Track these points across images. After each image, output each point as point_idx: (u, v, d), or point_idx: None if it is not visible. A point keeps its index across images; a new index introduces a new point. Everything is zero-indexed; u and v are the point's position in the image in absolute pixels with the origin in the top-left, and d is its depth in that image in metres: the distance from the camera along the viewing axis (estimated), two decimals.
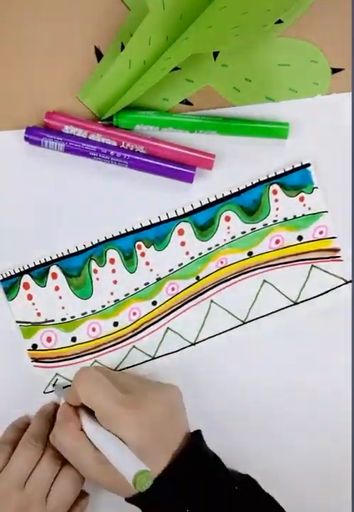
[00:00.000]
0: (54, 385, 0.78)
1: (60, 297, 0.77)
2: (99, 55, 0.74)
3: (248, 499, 0.68)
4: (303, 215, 0.77)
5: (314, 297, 0.79)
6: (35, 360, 0.77)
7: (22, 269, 0.76)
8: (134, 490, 0.60)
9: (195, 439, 0.70)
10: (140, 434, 0.66)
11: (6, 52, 0.74)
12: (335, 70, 0.76)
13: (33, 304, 0.77)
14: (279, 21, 0.74)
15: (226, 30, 0.69)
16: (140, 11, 0.72)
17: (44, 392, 0.77)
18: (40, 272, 0.76)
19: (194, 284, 0.78)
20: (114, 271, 0.77)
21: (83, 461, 0.68)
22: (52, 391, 0.78)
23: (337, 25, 0.75)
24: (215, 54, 0.75)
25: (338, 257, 0.78)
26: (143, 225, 0.76)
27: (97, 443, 0.66)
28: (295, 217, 0.77)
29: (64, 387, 0.78)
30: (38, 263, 0.76)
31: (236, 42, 0.69)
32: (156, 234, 0.77)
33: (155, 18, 0.72)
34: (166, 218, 0.76)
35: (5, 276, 0.76)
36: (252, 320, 0.79)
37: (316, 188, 0.77)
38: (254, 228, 0.77)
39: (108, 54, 0.74)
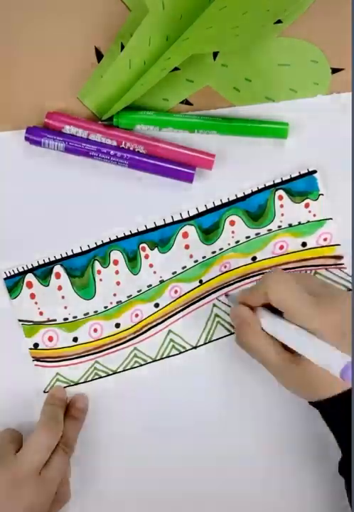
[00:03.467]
0: (227, 295, 0.78)
1: (63, 297, 0.77)
2: (99, 56, 0.74)
3: None
4: (308, 222, 0.77)
5: None
6: (37, 359, 0.78)
7: (25, 268, 0.76)
8: (322, 391, 0.62)
9: None
10: (331, 332, 0.65)
11: (6, 53, 0.74)
12: (335, 70, 0.75)
13: (36, 303, 0.77)
14: (279, 21, 0.74)
15: (226, 30, 0.69)
16: (140, 11, 0.72)
17: (44, 392, 0.77)
18: (43, 271, 0.77)
19: (197, 287, 0.78)
20: (117, 272, 0.77)
21: (272, 360, 0.68)
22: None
23: (337, 25, 0.75)
24: (215, 54, 0.75)
25: (342, 264, 0.78)
26: (148, 227, 0.76)
27: (290, 341, 0.66)
28: (300, 223, 0.77)
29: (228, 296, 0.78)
30: (41, 262, 0.77)
31: (236, 42, 0.69)
32: (161, 236, 0.77)
33: (155, 19, 0.72)
34: (171, 221, 0.76)
35: (8, 275, 0.76)
36: None
37: (322, 195, 0.76)
38: (259, 233, 0.77)
39: (108, 54, 0.74)
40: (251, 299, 0.70)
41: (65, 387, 0.78)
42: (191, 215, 0.76)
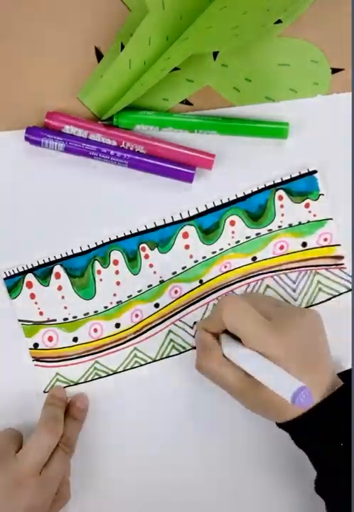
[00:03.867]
0: (195, 323, 0.78)
1: (63, 297, 0.77)
2: (99, 56, 0.74)
3: None
4: (308, 222, 0.77)
5: (317, 304, 0.78)
6: (36, 359, 0.77)
7: (25, 268, 0.76)
8: (286, 413, 0.62)
9: (350, 375, 0.71)
10: (287, 356, 0.65)
11: (6, 53, 0.74)
12: (335, 70, 0.76)
13: (36, 303, 0.77)
14: (279, 21, 0.74)
15: (226, 30, 0.69)
16: (140, 11, 0.72)
17: (44, 392, 0.77)
18: (43, 272, 0.77)
19: (197, 287, 0.78)
20: (117, 272, 0.77)
21: (232, 386, 0.68)
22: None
23: (337, 26, 0.75)
24: (215, 54, 0.75)
25: (342, 264, 0.78)
26: (148, 227, 0.76)
27: (246, 366, 0.66)
28: (300, 223, 0.77)
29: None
30: (41, 262, 0.76)
31: (236, 42, 0.69)
32: (161, 236, 0.77)
33: (155, 19, 0.72)
34: (171, 221, 0.76)
35: (8, 275, 0.76)
36: None
37: (322, 195, 0.76)
38: (259, 233, 0.77)
39: (108, 54, 0.74)
40: (211, 325, 0.70)
41: (65, 387, 0.78)
42: (191, 215, 0.76)
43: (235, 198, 0.76)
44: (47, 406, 0.76)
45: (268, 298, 0.76)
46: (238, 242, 0.77)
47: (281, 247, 0.77)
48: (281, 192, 0.77)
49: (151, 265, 0.77)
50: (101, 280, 0.77)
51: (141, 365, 0.78)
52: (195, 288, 0.78)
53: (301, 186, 0.76)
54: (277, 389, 0.62)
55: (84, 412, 0.77)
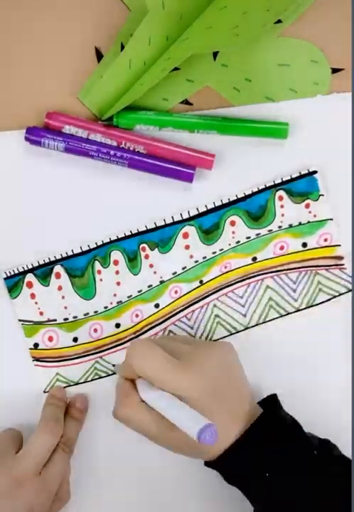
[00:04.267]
0: (114, 365, 0.78)
1: (63, 297, 0.77)
2: (99, 56, 0.74)
3: (327, 464, 0.68)
4: (309, 222, 0.77)
5: (317, 304, 0.79)
6: (37, 359, 0.77)
7: (25, 268, 0.76)
8: (209, 452, 0.62)
9: (271, 402, 0.71)
10: (200, 395, 0.66)
11: (6, 53, 0.74)
12: (335, 70, 0.76)
13: (36, 302, 0.77)
14: (279, 21, 0.74)
15: (226, 30, 0.69)
16: (140, 11, 0.72)
17: (44, 392, 0.77)
18: (43, 271, 0.77)
19: (197, 287, 0.78)
20: (117, 272, 0.77)
21: (151, 432, 0.68)
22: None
23: (337, 25, 0.75)
24: (215, 54, 0.75)
25: (342, 264, 0.78)
26: (148, 228, 0.76)
27: (158, 408, 0.66)
28: (300, 223, 0.77)
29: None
30: (42, 262, 0.76)
31: (236, 42, 0.69)
32: (161, 236, 0.77)
33: (155, 19, 0.72)
34: (171, 221, 0.76)
35: (8, 275, 0.76)
36: (255, 325, 0.79)
37: (322, 195, 0.76)
38: (259, 234, 0.77)
39: (108, 54, 0.74)
40: (125, 371, 0.71)
41: (64, 387, 0.78)
42: (191, 215, 0.76)
43: (235, 198, 0.76)
44: (47, 406, 0.76)
45: (178, 337, 0.77)
46: (238, 242, 0.77)
47: (282, 248, 0.77)
48: (281, 192, 0.76)
49: (151, 265, 0.77)
50: (101, 280, 0.77)
51: None
52: (195, 288, 0.78)
53: (301, 187, 0.76)
54: (184, 427, 0.62)
55: (84, 413, 0.77)
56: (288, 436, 0.68)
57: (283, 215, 0.77)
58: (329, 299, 0.78)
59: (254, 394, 0.72)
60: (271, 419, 0.69)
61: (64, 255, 0.76)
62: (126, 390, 0.69)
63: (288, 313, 0.79)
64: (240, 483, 0.69)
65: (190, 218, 0.76)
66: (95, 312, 0.77)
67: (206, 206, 0.76)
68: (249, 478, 0.67)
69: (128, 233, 0.76)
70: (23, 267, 0.76)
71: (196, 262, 0.77)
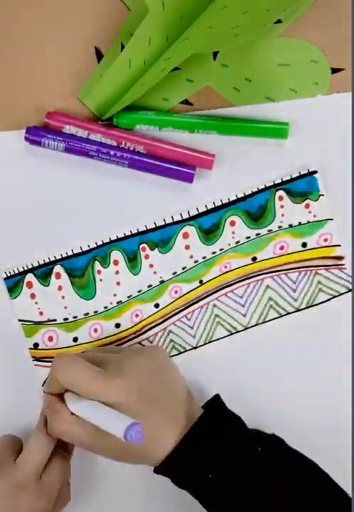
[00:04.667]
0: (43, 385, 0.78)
1: (63, 297, 0.77)
2: (99, 56, 0.74)
3: (272, 458, 0.68)
4: (309, 222, 0.77)
5: (317, 304, 0.79)
6: (36, 359, 0.77)
7: (25, 268, 0.76)
8: (150, 457, 0.63)
9: (213, 402, 0.71)
10: (128, 399, 0.66)
11: (6, 53, 0.74)
12: (335, 70, 0.76)
13: (36, 302, 0.77)
14: (279, 21, 0.74)
15: (226, 30, 0.69)
16: (140, 11, 0.72)
17: (44, 392, 0.77)
18: (43, 272, 0.77)
19: (197, 287, 0.78)
20: (117, 272, 0.77)
21: (88, 443, 0.68)
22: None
23: (337, 26, 0.75)
24: (215, 54, 0.75)
25: (342, 265, 0.78)
26: (148, 228, 0.76)
27: (86, 417, 0.66)
28: (300, 223, 0.77)
29: None
30: (42, 262, 0.76)
31: (236, 42, 0.69)
32: (161, 236, 0.77)
33: (155, 18, 0.72)
34: (171, 221, 0.76)
35: (8, 275, 0.76)
36: (254, 325, 0.79)
37: (322, 195, 0.76)
38: (259, 234, 0.77)
39: (108, 54, 0.74)
40: (52, 387, 0.70)
41: None
42: (191, 215, 0.76)
43: (235, 198, 0.76)
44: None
45: (108, 348, 0.77)
46: (238, 242, 0.77)
47: (281, 248, 0.77)
48: (281, 192, 0.77)
49: (151, 265, 0.77)
50: (101, 280, 0.77)
51: None
52: (195, 288, 0.78)
53: (301, 187, 0.76)
54: (110, 430, 0.62)
55: None
56: (229, 435, 0.68)
57: (283, 215, 0.77)
58: (329, 299, 0.79)
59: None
60: (212, 419, 0.69)
61: (64, 255, 0.76)
62: (56, 405, 0.69)
63: (288, 313, 0.79)
64: (187, 486, 0.69)
65: (190, 218, 0.76)
66: (95, 312, 0.77)
67: (206, 206, 0.76)
68: (194, 480, 0.67)
69: (128, 233, 0.76)
70: (23, 267, 0.76)
71: (196, 262, 0.77)
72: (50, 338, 0.77)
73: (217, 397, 0.72)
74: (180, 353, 0.78)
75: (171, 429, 0.68)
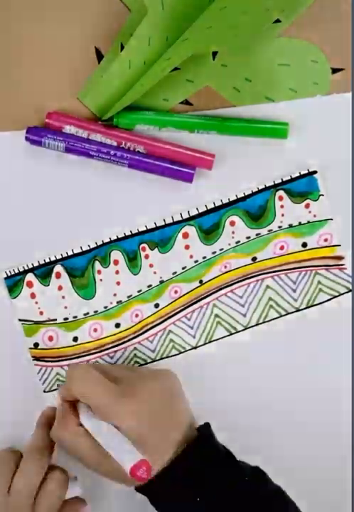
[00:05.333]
0: (58, 385, 0.78)
1: (63, 297, 0.77)
2: (99, 56, 0.74)
3: (258, 489, 0.68)
4: (309, 222, 0.77)
5: (317, 304, 0.79)
6: (37, 358, 0.78)
7: (26, 268, 0.76)
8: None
9: (204, 429, 0.71)
10: (138, 423, 0.66)
11: (6, 53, 0.74)
12: (335, 70, 0.75)
13: (36, 302, 0.77)
14: (278, 21, 0.73)
15: (226, 30, 0.69)
16: (140, 11, 0.72)
17: (44, 391, 0.78)
18: (43, 271, 0.77)
19: (197, 287, 0.78)
20: (117, 272, 0.77)
21: (85, 456, 0.68)
22: (54, 390, 0.78)
23: (337, 26, 0.75)
24: (215, 54, 0.75)
25: (342, 265, 0.78)
26: (148, 227, 0.76)
27: (96, 436, 0.66)
28: (300, 223, 0.77)
29: None
30: (42, 262, 0.77)
31: (236, 42, 0.69)
32: (161, 236, 0.77)
33: (155, 19, 0.72)
34: (171, 221, 0.76)
35: (9, 274, 0.76)
36: (254, 325, 0.79)
37: (322, 195, 0.76)
38: (259, 234, 0.77)
39: (108, 55, 0.74)
40: (66, 394, 0.70)
41: None
42: (191, 215, 0.76)
43: (235, 198, 0.76)
44: (36, 430, 0.75)
45: (120, 366, 0.77)
46: (238, 242, 0.77)
47: (282, 248, 0.77)
48: (281, 192, 0.77)
49: (151, 265, 0.77)
50: (101, 280, 0.77)
51: (141, 365, 0.78)
52: (195, 288, 0.78)
53: (301, 186, 0.76)
54: (119, 460, 0.62)
55: None
56: (219, 462, 0.68)
57: (283, 215, 0.77)
58: (329, 299, 0.79)
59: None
60: (203, 445, 0.69)
61: (64, 255, 0.76)
62: (65, 412, 0.70)
63: (288, 313, 0.79)
64: (170, 507, 0.69)
65: (190, 218, 0.76)
66: (95, 312, 0.77)
67: (206, 206, 0.76)
68: (180, 502, 0.67)
69: (128, 233, 0.76)
70: (23, 267, 0.76)
71: (196, 261, 0.77)
72: (50, 338, 0.77)
73: (207, 424, 0.72)
74: (180, 352, 0.78)
75: (163, 453, 0.68)
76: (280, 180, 0.76)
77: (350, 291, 0.78)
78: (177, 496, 0.67)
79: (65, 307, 0.77)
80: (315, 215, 0.77)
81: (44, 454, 0.72)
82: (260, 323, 0.79)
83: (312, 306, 0.79)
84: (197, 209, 0.76)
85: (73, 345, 0.78)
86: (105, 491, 0.78)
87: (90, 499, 0.77)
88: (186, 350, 0.78)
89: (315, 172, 0.76)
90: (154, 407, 0.68)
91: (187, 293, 0.78)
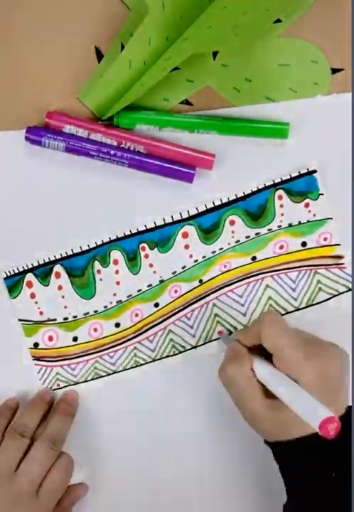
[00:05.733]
0: (221, 332, 0.78)
1: (63, 297, 0.77)
2: (99, 56, 0.74)
3: None
4: (308, 222, 0.77)
5: (316, 303, 0.79)
6: (36, 358, 0.78)
7: (26, 268, 0.76)
8: (292, 432, 0.63)
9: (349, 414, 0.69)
10: (319, 385, 0.64)
11: (6, 53, 0.74)
12: (335, 70, 0.76)
13: (36, 302, 0.77)
14: (278, 21, 0.74)
15: (226, 30, 0.69)
16: (140, 11, 0.72)
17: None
18: (43, 271, 0.77)
19: (197, 287, 0.78)
20: (117, 272, 0.77)
21: (250, 400, 0.67)
22: (54, 390, 0.78)
23: (337, 26, 0.75)
24: (215, 54, 0.75)
25: (342, 264, 0.78)
26: (148, 227, 0.76)
27: (274, 386, 0.65)
28: (300, 223, 0.77)
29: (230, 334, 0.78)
30: (41, 262, 0.77)
31: (236, 42, 0.69)
32: (161, 236, 0.77)
33: (155, 19, 0.72)
34: (171, 221, 0.76)
35: (8, 274, 0.76)
36: None
37: (322, 194, 0.77)
38: (259, 233, 0.77)
39: (108, 54, 0.74)
40: (246, 337, 0.70)
41: (64, 386, 0.78)
42: (191, 214, 0.76)
43: (235, 197, 0.76)
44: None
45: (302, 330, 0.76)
46: (238, 241, 0.77)
47: (281, 247, 0.78)
48: (280, 192, 0.77)
49: (150, 265, 0.77)
50: (101, 280, 0.77)
51: (141, 364, 0.78)
52: (194, 288, 0.78)
53: (301, 186, 0.77)
54: (306, 416, 0.61)
55: (73, 408, 0.77)
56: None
57: (282, 214, 0.77)
58: (329, 298, 0.79)
59: None
60: (349, 428, 0.67)
61: (64, 255, 0.76)
62: (240, 351, 0.69)
63: (287, 313, 0.79)
64: (293, 472, 0.68)
65: (190, 218, 0.76)
66: (95, 312, 0.77)
67: (206, 206, 0.76)
68: (313, 473, 0.66)
69: (127, 233, 0.76)
70: (23, 267, 0.76)
71: (196, 261, 0.77)
72: (50, 338, 0.77)
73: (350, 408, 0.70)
74: (180, 352, 0.78)
75: None
76: (280, 180, 0.76)
77: (350, 290, 0.78)
78: (314, 465, 0.66)
79: (65, 307, 0.77)
80: (314, 215, 0.77)
81: (28, 432, 0.73)
82: None
83: (312, 305, 0.79)
84: (196, 208, 0.76)
85: (73, 345, 0.78)
86: (104, 478, 0.79)
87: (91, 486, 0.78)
88: (186, 350, 0.78)
89: (314, 171, 0.76)
90: (330, 374, 0.66)
91: (187, 292, 0.78)
